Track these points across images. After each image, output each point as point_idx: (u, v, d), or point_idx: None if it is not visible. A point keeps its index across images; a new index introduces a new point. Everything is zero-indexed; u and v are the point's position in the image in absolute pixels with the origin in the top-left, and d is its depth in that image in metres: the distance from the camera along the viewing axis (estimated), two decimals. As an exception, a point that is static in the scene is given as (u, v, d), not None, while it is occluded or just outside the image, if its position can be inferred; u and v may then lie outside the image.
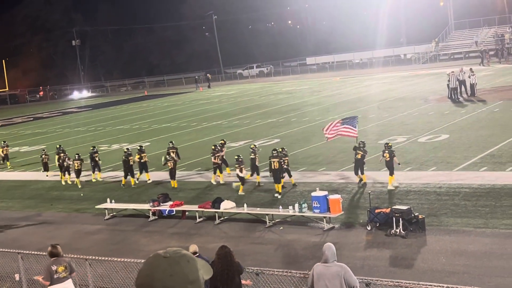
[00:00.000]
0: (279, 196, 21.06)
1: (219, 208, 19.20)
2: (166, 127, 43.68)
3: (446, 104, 38.17)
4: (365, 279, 10.36)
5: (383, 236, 16.09)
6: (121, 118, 54.17)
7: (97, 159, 27.77)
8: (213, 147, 24.40)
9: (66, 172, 27.82)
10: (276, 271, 11.58)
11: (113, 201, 21.68)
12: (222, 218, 19.39)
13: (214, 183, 24.04)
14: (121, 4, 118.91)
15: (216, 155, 23.78)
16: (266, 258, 15.46)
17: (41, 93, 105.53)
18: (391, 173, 20.56)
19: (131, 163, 25.46)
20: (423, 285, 10.22)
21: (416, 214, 16.27)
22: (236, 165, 22.07)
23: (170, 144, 26.62)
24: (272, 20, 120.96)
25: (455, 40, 77.98)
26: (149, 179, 26.04)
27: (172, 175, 24.41)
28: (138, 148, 26.72)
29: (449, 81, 40.10)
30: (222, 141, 25.79)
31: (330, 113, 40.49)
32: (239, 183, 22.25)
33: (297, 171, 24.32)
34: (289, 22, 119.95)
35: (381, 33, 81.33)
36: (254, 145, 24.29)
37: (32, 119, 66.23)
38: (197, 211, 19.79)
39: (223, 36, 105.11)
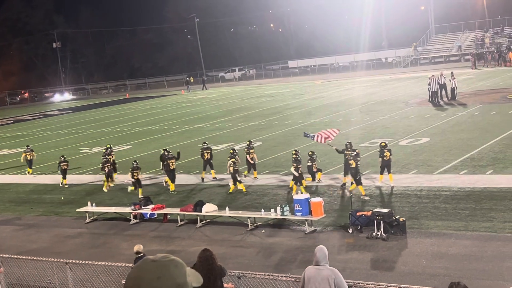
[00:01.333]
0: (366, 198, 19.89)
1: (201, 211, 19.16)
2: (147, 130, 43.52)
3: (426, 108, 38.44)
4: (346, 282, 10.38)
5: (364, 238, 16.16)
6: (102, 121, 53.90)
7: (110, 161, 26.43)
8: (231, 151, 23.47)
9: (109, 177, 25.70)
10: (258, 274, 11.57)
11: (94, 204, 21.55)
12: (204, 221, 19.35)
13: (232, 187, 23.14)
14: (103, 7, 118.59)
15: (233, 159, 22.75)
16: (248, 261, 15.46)
17: (26, 94, 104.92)
18: (389, 171, 20.82)
19: (172, 167, 23.93)
20: (404, 287, 10.28)
21: (397, 217, 16.36)
22: (294, 164, 21.16)
23: (205, 144, 25.36)
24: (254, 24, 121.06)
25: (435, 44, 78.61)
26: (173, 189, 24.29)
27: (234, 178, 22.50)
28: (162, 152, 25.41)
29: (429, 84, 40.39)
30: (248, 142, 24.67)
31: (312, 116, 40.62)
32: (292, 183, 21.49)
33: (279, 174, 24.37)
34: (271, 25, 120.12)
35: (362, 37, 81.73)
36: (312, 151, 22.91)
37: (12, 121, 65.65)
38: (178, 214, 19.74)
39: (205, 39, 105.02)
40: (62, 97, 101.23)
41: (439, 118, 33.77)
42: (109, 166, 25.57)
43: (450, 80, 40.26)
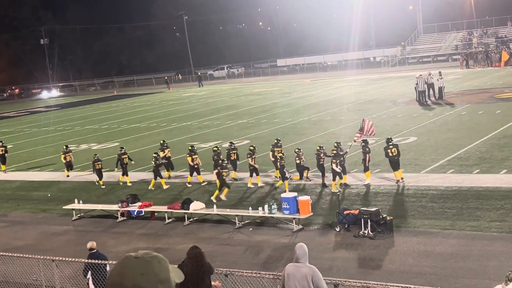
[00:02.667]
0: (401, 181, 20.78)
1: (188, 209, 19.14)
2: (135, 127, 43.39)
3: (414, 107, 38.59)
4: (333, 280, 10.40)
5: (351, 237, 16.20)
6: (90, 118, 53.69)
7: (126, 160, 25.38)
8: (251, 147, 23.17)
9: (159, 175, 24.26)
10: (245, 272, 11.57)
11: (80, 201, 21.46)
12: (191, 219, 19.33)
13: (252, 186, 22.68)
14: (91, 3, 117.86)
15: (252, 156, 22.53)
16: (235, 259, 15.46)
17: (17, 90, 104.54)
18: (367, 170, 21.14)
19: (233, 157, 23.25)
20: (390, 286, 10.30)
21: (384, 215, 16.42)
22: (334, 160, 20.82)
23: (232, 145, 24.59)
24: (243, 22, 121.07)
25: (423, 43, 78.92)
26: (203, 181, 23.82)
27: (283, 174, 21.96)
28: (190, 148, 24.40)
29: (417, 84, 40.56)
30: (276, 141, 23.95)
31: (300, 114, 40.66)
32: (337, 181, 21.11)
33: (267, 172, 24.35)
34: (260, 23, 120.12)
35: (351, 36, 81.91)
36: (299, 149, 22.82)
37: (-1, 118, 65.29)
38: (166, 212, 19.70)
39: (194, 36, 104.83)
40: (49, 94, 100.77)
41: (426, 117, 33.91)
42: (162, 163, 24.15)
43: (437, 80, 40.44)
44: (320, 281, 9.28)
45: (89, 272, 12.91)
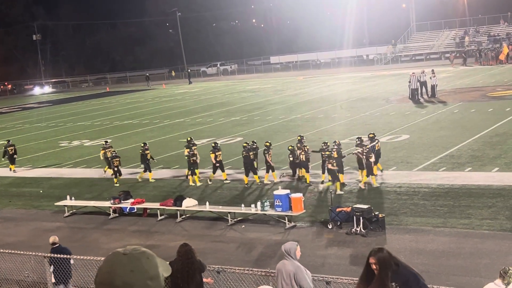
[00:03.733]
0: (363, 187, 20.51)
1: (181, 206, 19.13)
2: (128, 124, 43.30)
3: (407, 105, 38.68)
4: (325, 278, 10.42)
5: (343, 234, 16.24)
6: (82, 114, 53.53)
7: (148, 157, 24.53)
8: (267, 143, 22.96)
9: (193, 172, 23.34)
10: (237, 269, 11.57)
11: (73, 198, 21.40)
12: (183, 216, 19.32)
13: (268, 182, 22.47)
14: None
15: (268, 153, 22.34)
16: (227, 256, 15.47)
17: (9, 86, 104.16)
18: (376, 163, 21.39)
19: (252, 157, 22.52)
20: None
21: (377, 213, 16.46)
22: (359, 154, 20.68)
23: (254, 144, 23.55)
24: (237, 19, 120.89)
25: (416, 41, 79.08)
26: (210, 181, 23.43)
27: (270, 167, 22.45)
28: (213, 145, 23.61)
29: (410, 82, 40.66)
30: (299, 137, 23.31)
31: (293, 112, 40.68)
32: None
33: (259, 170, 24.33)
34: (254, 20, 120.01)
35: (344, 33, 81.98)
36: (292, 146, 22.73)
37: (-10, 114, 65.00)
38: (158, 208, 19.68)
39: (187, 33, 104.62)
40: (42, 90, 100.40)
41: (419, 115, 34.00)
42: (193, 160, 23.15)
43: (430, 78, 40.55)
44: (302, 280, 9.27)
45: (51, 266, 12.92)
